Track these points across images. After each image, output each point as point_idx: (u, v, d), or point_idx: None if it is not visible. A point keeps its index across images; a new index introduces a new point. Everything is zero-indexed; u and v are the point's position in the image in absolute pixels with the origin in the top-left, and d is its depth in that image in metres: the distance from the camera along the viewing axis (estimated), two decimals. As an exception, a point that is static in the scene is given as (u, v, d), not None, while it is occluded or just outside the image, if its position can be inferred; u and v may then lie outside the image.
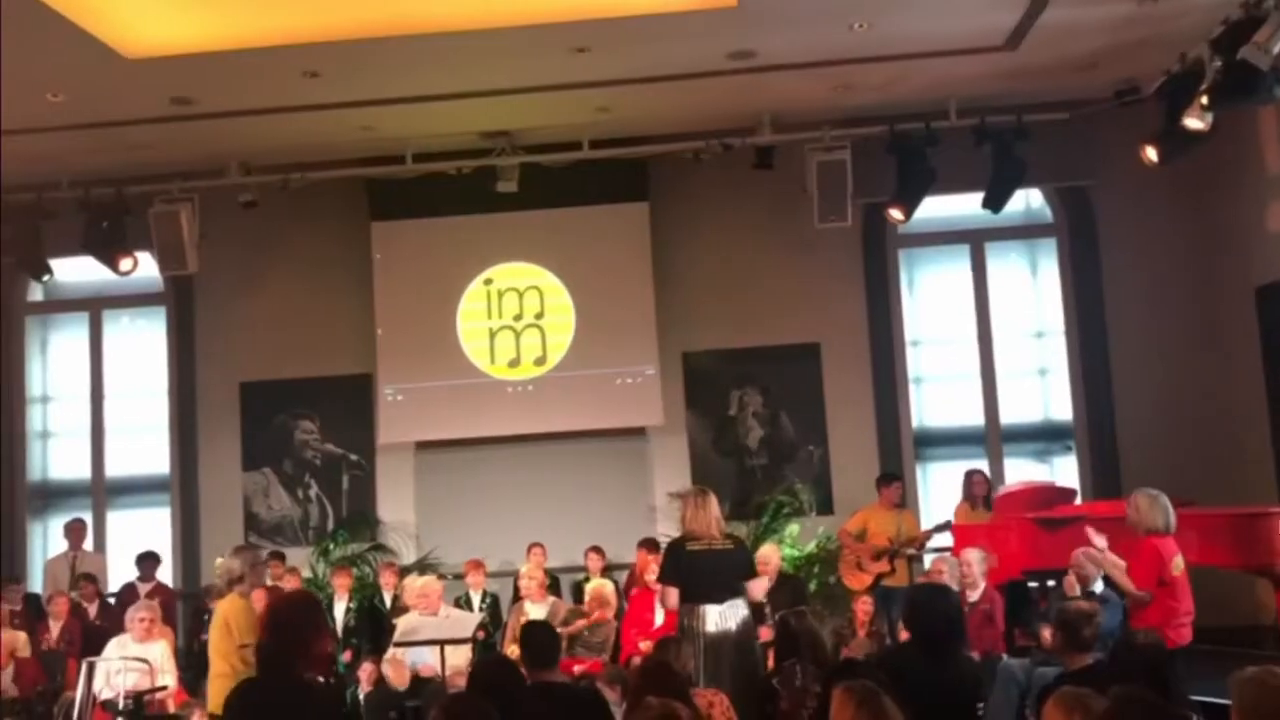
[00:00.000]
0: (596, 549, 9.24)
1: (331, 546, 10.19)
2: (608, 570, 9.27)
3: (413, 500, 10.44)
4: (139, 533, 10.42)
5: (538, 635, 4.99)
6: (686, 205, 10.39)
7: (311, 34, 7.52)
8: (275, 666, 3.76)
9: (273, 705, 3.72)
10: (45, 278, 10.19)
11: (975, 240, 10.54)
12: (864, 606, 7.98)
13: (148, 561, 9.59)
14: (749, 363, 10.41)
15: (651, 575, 7.64)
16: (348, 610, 8.76)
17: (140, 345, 11.06)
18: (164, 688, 7.03)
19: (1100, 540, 6.43)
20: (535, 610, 7.99)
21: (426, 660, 7.43)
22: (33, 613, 9.03)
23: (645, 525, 9.75)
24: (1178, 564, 6.10)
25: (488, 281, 10.42)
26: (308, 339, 10.58)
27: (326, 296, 10.61)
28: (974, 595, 7.29)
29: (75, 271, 10.60)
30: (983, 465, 9.90)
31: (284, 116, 8.85)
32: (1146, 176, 8.99)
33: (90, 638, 8.37)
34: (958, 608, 4.72)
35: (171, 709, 6.96)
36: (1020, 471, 10.26)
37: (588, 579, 8.80)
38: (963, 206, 10.14)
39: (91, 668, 7.08)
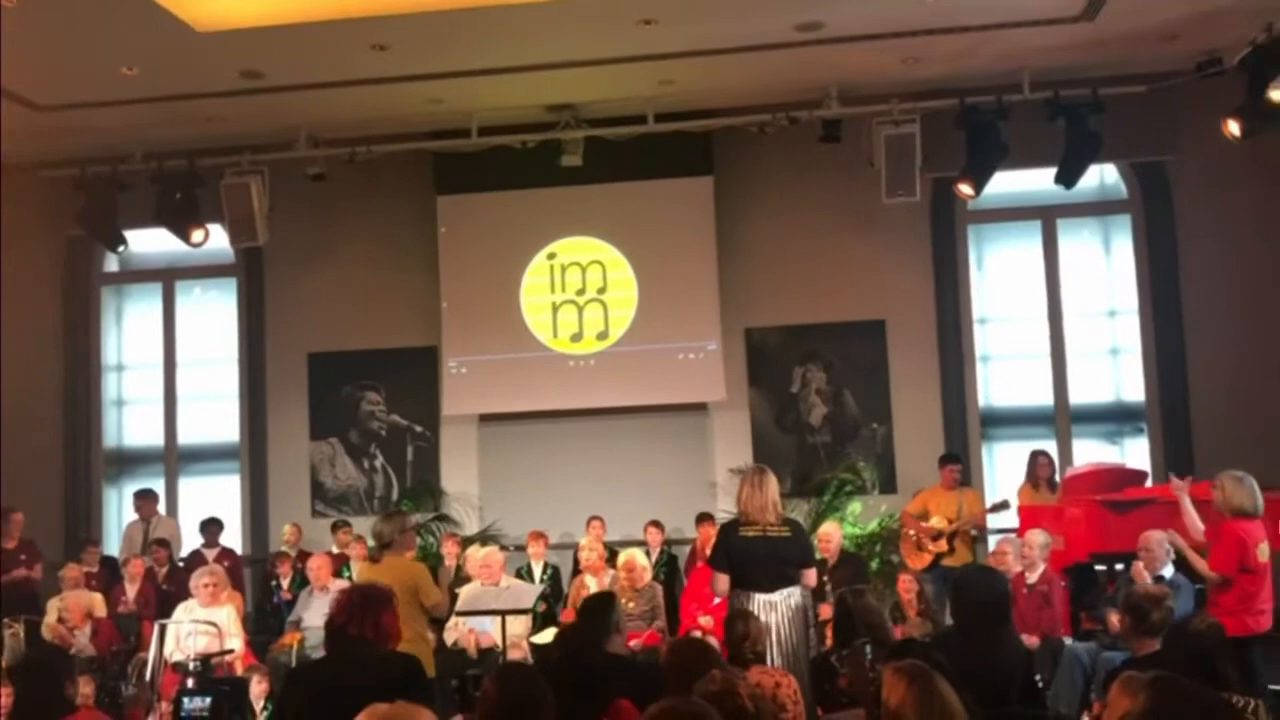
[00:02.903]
0: (656, 523, 9.25)
1: (395, 516, 10.31)
2: (667, 544, 9.30)
3: (476, 472, 10.52)
4: (209, 499, 10.64)
5: (586, 609, 4.96)
6: (751, 179, 10.29)
7: (379, 7, 7.57)
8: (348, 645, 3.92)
9: (350, 673, 3.83)
10: (120, 249, 10.40)
11: (1047, 216, 10.31)
12: (906, 586, 7.84)
13: (211, 527, 9.80)
14: (813, 339, 10.31)
15: (712, 551, 7.57)
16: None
17: (211, 316, 11.25)
18: (230, 650, 7.16)
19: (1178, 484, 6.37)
20: (595, 583, 8.03)
21: (487, 630, 7.53)
22: (109, 575, 9.31)
23: (705, 501, 9.75)
24: (1264, 550, 5.98)
25: (551, 255, 10.43)
26: (374, 311, 10.70)
27: (392, 269, 10.70)
28: (1032, 577, 7.18)
29: (149, 243, 10.81)
30: (1051, 446, 9.73)
31: (351, 89, 8.93)
32: (1226, 151, 8.74)
33: (163, 601, 8.59)
34: (1002, 591, 4.60)
35: (239, 671, 7.09)
36: (1089, 453, 10.05)
37: (648, 553, 8.81)
38: (1034, 182, 9.94)
39: (163, 630, 7.24)
